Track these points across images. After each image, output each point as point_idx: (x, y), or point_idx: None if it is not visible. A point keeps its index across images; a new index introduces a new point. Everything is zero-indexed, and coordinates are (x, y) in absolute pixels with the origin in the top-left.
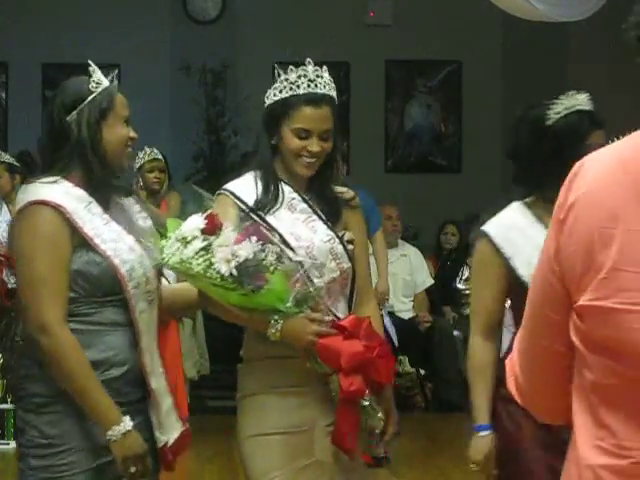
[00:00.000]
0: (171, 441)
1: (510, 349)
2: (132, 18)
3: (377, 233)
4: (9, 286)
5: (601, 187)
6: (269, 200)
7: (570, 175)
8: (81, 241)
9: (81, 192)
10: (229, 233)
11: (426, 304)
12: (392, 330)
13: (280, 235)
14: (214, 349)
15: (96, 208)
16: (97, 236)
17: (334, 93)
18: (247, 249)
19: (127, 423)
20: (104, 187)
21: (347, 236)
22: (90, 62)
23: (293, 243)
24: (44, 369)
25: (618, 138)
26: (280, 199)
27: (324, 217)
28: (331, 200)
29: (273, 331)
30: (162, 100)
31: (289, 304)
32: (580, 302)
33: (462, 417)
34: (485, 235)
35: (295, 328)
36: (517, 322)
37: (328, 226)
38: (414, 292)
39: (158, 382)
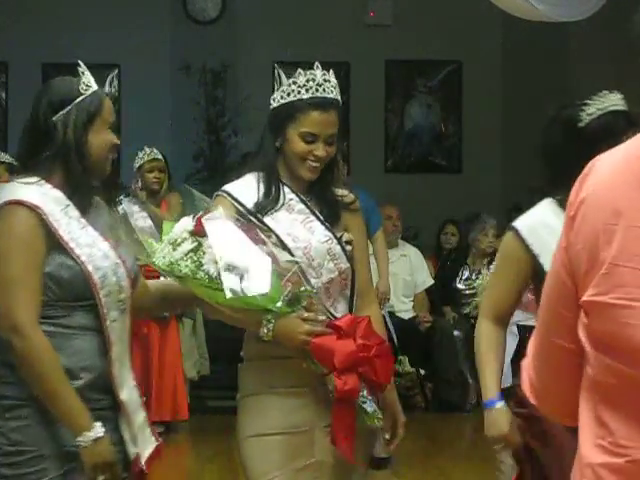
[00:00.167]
0: (145, 454)
1: (516, 355)
2: (132, 18)
3: (377, 233)
4: None
5: (607, 185)
6: (269, 202)
7: (582, 174)
8: (55, 244)
9: (59, 194)
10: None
11: (426, 304)
12: (391, 329)
13: (277, 236)
14: (214, 349)
15: (73, 212)
16: (72, 240)
17: (339, 97)
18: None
19: (98, 429)
20: (84, 191)
21: (345, 237)
22: (80, 62)
23: (290, 244)
24: (15, 371)
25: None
26: (280, 201)
27: (322, 218)
28: (331, 202)
29: (265, 331)
30: (162, 100)
31: (280, 304)
32: (583, 298)
33: (462, 417)
34: (514, 230)
35: (287, 328)
36: None
37: (326, 227)
38: (414, 292)
39: (130, 395)
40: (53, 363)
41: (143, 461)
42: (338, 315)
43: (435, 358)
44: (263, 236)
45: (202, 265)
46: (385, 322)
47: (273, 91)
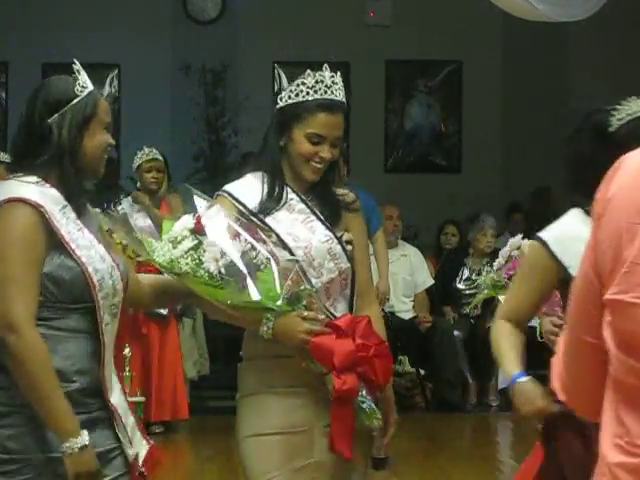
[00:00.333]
0: (142, 455)
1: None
2: (132, 18)
3: (378, 233)
4: None
5: (632, 184)
6: (272, 202)
7: (610, 171)
8: (56, 244)
9: (58, 195)
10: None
11: (426, 304)
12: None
13: (277, 235)
14: (214, 349)
15: (70, 213)
16: (72, 241)
17: (345, 100)
18: (236, 248)
19: (85, 437)
20: (78, 193)
21: (346, 237)
22: (75, 62)
23: (291, 244)
24: (8, 377)
25: None
26: (282, 201)
27: (322, 218)
28: (331, 202)
29: (265, 329)
30: (162, 100)
31: (280, 302)
32: (606, 296)
33: (462, 417)
34: (541, 241)
35: (287, 326)
36: None
37: (326, 226)
38: (414, 292)
39: (119, 398)
40: (45, 364)
41: (140, 463)
42: (337, 315)
43: (435, 358)
44: (263, 235)
45: (202, 263)
46: (386, 322)
47: (273, 91)
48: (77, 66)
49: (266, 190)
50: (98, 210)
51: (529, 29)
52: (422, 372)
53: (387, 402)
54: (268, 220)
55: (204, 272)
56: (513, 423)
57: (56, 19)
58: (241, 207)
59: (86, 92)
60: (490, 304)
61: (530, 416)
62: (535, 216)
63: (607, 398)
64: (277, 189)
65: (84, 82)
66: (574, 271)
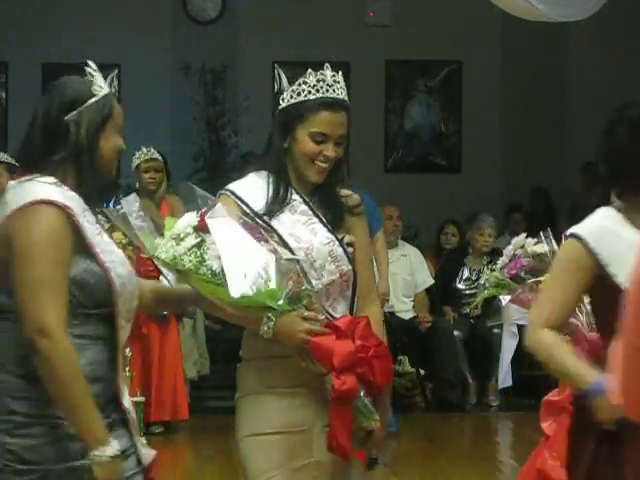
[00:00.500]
0: (152, 455)
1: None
2: (132, 18)
3: (378, 234)
4: None
5: None
6: (277, 204)
7: None
8: (81, 247)
9: (78, 197)
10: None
11: (426, 304)
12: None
13: (279, 236)
14: (214, 349)
15: (90, 216)
16: (96, 245)
17: (347, 99)
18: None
19: (114, 446)
20: (95, 195)
21: (347, 239)
22: (90, 63)
23: (293, 244)
24: (29, 386)
25: None
26: (286, 202)
27: (325, 220)
28: (334, 205)
29: (265, 329)
30: (162, 100)
31: (281, 302)
32: None
33: (462, 417)
34: (578, 237)
35: (287, 326)
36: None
37: (328, 229)
38: (414, 292)
39: (129, 402)
40: (77, 370)
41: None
42: (337, 315)
43: (435, 358)
44: (266, 235)
45: (205, 261)
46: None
47: (273, 91)
48: (93, 67)
49: (271, 192)
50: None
51: (529, 29)
52: (422, 372)
53: (381, 403)
54: (270, 220)
55: (206, 270)
56: (513, 423)
57: (56, 19)
58: (244, 207)
59: (103, 93)
60: (491, 304)
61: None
62: (535, 216)
63: None
64: (282, 190)
65: (101, 83)
66: (613, 269)
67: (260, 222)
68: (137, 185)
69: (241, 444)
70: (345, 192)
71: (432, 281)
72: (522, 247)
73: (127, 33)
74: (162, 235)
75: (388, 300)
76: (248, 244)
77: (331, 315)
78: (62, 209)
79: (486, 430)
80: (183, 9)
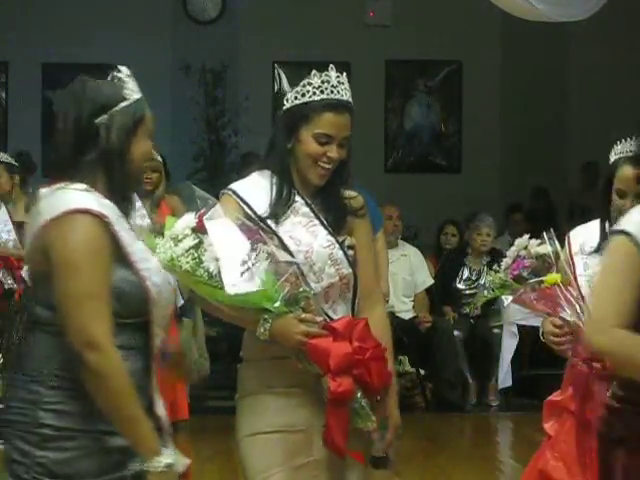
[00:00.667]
0: (187, 463)
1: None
2: (132, 18)
3: (378, 235)
4: (5, 287)
5: None
6: (279, 208)
7: None
8: (117, 255)
9: (111, 204)
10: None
11: (426, 304)
12: None
13: (279, 239)
14: (214, 349)
15: (124, 223)
16: (133, 253)
17: (351, 100)
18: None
19: (168, 456)
20: (126, 201)
21: (348, 241)
22: (123, 68)
23: (292, 247)
24: (60, 398)
25: (621, 137)
26: (288, 205)
27: (326, 222)
28: (337, 207)
29: (262, 330)
30: (162, 100)
31: (278, 304)
32: None
33: (462, 417)
34: (627, 234)
35: (284, 328)
36: None
37: (329, 231)
38: (414, 292)
39: (162, 410)
40: (128, 382)
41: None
42: (336, 317)
43: (435, 358)
44: (265, 236)
45: (202, 262)
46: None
47: (273, 91)
48: (125, 72)
49: (274, 193)
50: None
51: (529, 29)
52: (422, 372)
53: (389, 406)
54: (271, 223)
55: (204, 271)
56: (513, 423)
57: (56, 19)
58: (246, 207)
59: (135, 97)
60: (491, 304)
61: None
62: (535, 216)
63: None
64: (285, 192)
65: (133, 88)
66: None
67: (261, 224)
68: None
69: (241, 443)
70: (349, 193)
71: (432, 281)
72: (525, 248)
73: (127, 33)
74: (162, 235)
75: (388, 300)
76: (245, 246)
77: (330, 317)
78: (98, 217)
79: (486, 430)
80: (183, 9)
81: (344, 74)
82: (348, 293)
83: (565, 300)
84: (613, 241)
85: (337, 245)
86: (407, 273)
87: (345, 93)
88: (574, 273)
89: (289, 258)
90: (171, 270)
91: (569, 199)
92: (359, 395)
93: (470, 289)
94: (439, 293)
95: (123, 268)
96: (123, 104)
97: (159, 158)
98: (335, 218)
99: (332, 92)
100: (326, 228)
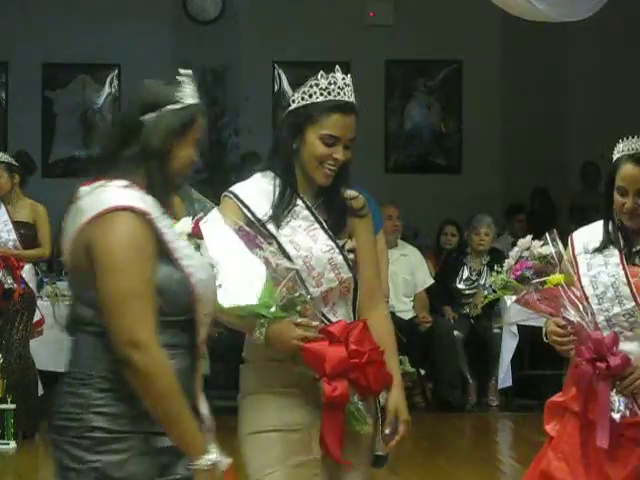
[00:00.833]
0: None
1: (516, 355)
2: (132, 18)
3: (378, 235)
4: (5, 287)
5: None
6: (280, 210)
7: None
8: (162, 253)
9: (153, 201)
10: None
11: (426, 304)
12: None
13: (279, 243)
14: (214, 349)
15: (166, 220)
16: (176, 250)
17: (355, 102)
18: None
19: (214, 454)
20: (165, 200)
21: (349, 245)
22: (184, 71)
23: (292, 252)
24: (109, 401)
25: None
26: (290, 209)
27: (326, 226)
28: (338, 208)
29: (258, 335)
30: None
31: (273, 309)
32: None
33: (462, 417)
34: None
35: (280, 333)
36: None
37: (329, 236)
38: (414, 292)
39: (205, 409)
40: (174, 382)
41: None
42: (336, 319)
43: (435, 358)
44: (262, 241)
45: None
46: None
47: (273, 91)
48: (188, 74)
49: (277, 197)
50: None
51: (529, 29)
52: (422, 372)
53: (397, 402)
54: (271, 227)
55: None
56: (513, 423)
57: (56, 19)
58: (246, 211)
59: (189, 102)
60: (492, 305)
61: None
62: (535, 216)
63: None
64: (287, 195)
65: (189, 92)
66: None
67: (260, 228)
68: None
69: (243, 442)
70: (351, 193)
71: (432, 281)
72: (528, 249)
73: (127, 33)
74: None
75: (388, 300)
76: (241, 252)
77: (330, 320)
78: (141, 214)
79: (486, 430)
80: (183, 9)
81: (349, 76)
82: (348, 295)
83: (568, 301)
84: None
85: (337, 249)
86: (407, 273)
87: (351, 95)
88: (577, 273)
89: (288, 264)
90: None
91: (569, 199)
92: (355, 398)
93: (470, 289)
94: (439, 293)
95: (167, 265)
96: (174, 106)
97: None
98: (336, 220)
99: (339, 94)
100: (326, 232)
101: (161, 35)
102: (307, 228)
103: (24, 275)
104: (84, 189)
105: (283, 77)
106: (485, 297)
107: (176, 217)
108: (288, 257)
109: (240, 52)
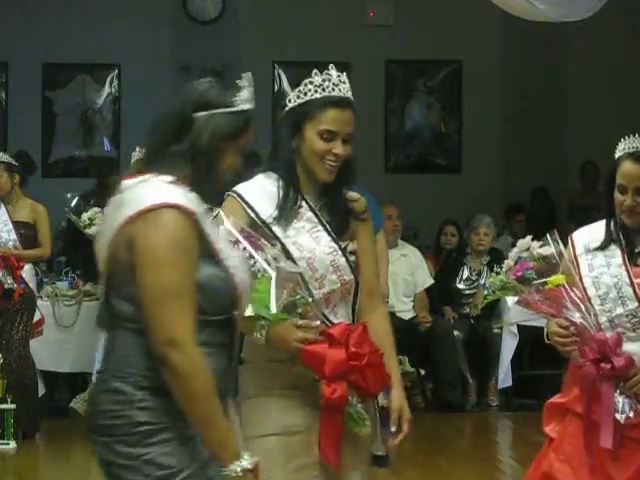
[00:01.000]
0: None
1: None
2: (132, 18)
3: (378, 235)
4: (5, 287)
5: None
6: (284, 211)
7: None
8: (205, 251)
9: (198, 200)
10: None
11: (426, 304)
12: None
13: (282, 245)
14: None
15: (209, 219)
16: (221, 250)
17: (352, 97)
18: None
19: (248, 460)
20: (209, 199)
21: (350, 247)
22: (244, 76)
23: (295, 254)
24: (150, 396)
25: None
26: (294, 209)
27: (329, 228)
28: (341, 210)
29: (259, 336)
30: (162, 100)
31: (274, 311)
32: None
33: (462, 417)
34: None
35: (281, 334)
36: None
37: (332, 237)
38: (414, 292)
39: (234, 409)
40: (210, 384)
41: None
42: (337, 321)
43: (435, 358)
44: (265, 242)
45: None
46: None
47: (273, 91)
48: (249, 78)
49: (281, 199)
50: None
51: (529, 29)
52: (422, 372)
53: (399, 400)
54: (275, 228)
55: None
56: (513, 423)
57: (56, 19)
58: (250, 211)
59: (244, 107)
60: (492, 305)
61: None
62: (535, 216)
63: None
64: (291, 195)
65: (246, 98)
66: None
67: (264, 228)
68: None
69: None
70: (352, 195)
71: (432, 281)
72: (527, 250)
73: (127, 33)
74: None
75: (388, 300)
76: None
77: (331, 321)
78: (187, 213)
79: (486, 430)
80: (183, 9)
81: (344, 73)
82: (349, 296)
83: (571, 301)
84: None
85: (340, 252)
86: (407, 273)
87: (347, 91)
88: (579, 274)
89: (292, 269)
90: None
91: (569, 199)
92: (354, 400)
93: (470, 289)
94: (439, 293)
95: (211, 265)
96: (228, 109)
97: None
98: (339, 222)
99: (334, 89)
100: (329, 234)
101: (161, 35)
102: (310, 229)
103: (24, 275)
104: (127, 182)
105: (283, 77)
106: (485, 298)
107: None
108: (291, 259)
109: (240, 52)
